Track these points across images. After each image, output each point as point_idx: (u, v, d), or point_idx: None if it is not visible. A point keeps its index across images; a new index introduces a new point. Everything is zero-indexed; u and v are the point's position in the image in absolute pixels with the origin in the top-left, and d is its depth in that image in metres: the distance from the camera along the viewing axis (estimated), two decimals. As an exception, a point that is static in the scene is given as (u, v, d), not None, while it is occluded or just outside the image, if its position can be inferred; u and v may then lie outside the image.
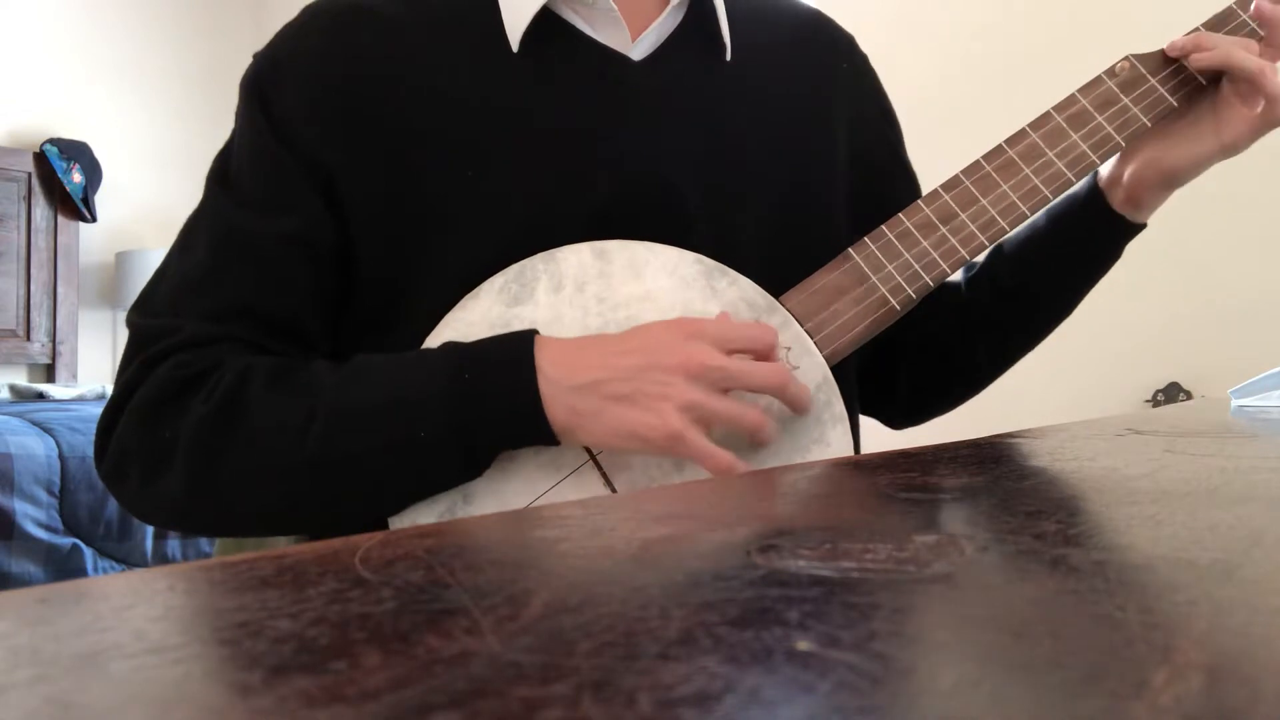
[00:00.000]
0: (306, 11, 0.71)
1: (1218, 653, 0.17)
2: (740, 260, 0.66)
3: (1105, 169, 0.75)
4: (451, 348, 0.60)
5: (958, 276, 0.84)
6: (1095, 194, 0.75)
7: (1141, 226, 0.76)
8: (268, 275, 0.65)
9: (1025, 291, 0.79)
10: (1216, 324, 1.97)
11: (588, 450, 0.61)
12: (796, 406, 0.62)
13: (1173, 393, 2.02)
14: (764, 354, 0.61)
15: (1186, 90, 0.72)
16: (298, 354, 0.66)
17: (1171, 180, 0.73)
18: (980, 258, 0.81)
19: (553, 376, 0.57)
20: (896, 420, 0.87)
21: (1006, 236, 0.79)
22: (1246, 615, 0.20)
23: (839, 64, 0.80)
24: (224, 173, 0.69)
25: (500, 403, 0.58)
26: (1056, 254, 0.77)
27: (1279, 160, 1.86)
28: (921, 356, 0.82)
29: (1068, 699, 0.15)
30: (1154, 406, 2.03)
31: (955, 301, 0.82)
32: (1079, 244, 0.77)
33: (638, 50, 0.70)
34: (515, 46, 0.68)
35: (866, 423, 0.78)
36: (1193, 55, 0.70)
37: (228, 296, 0.65)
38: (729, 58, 0.73)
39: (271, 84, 0.68)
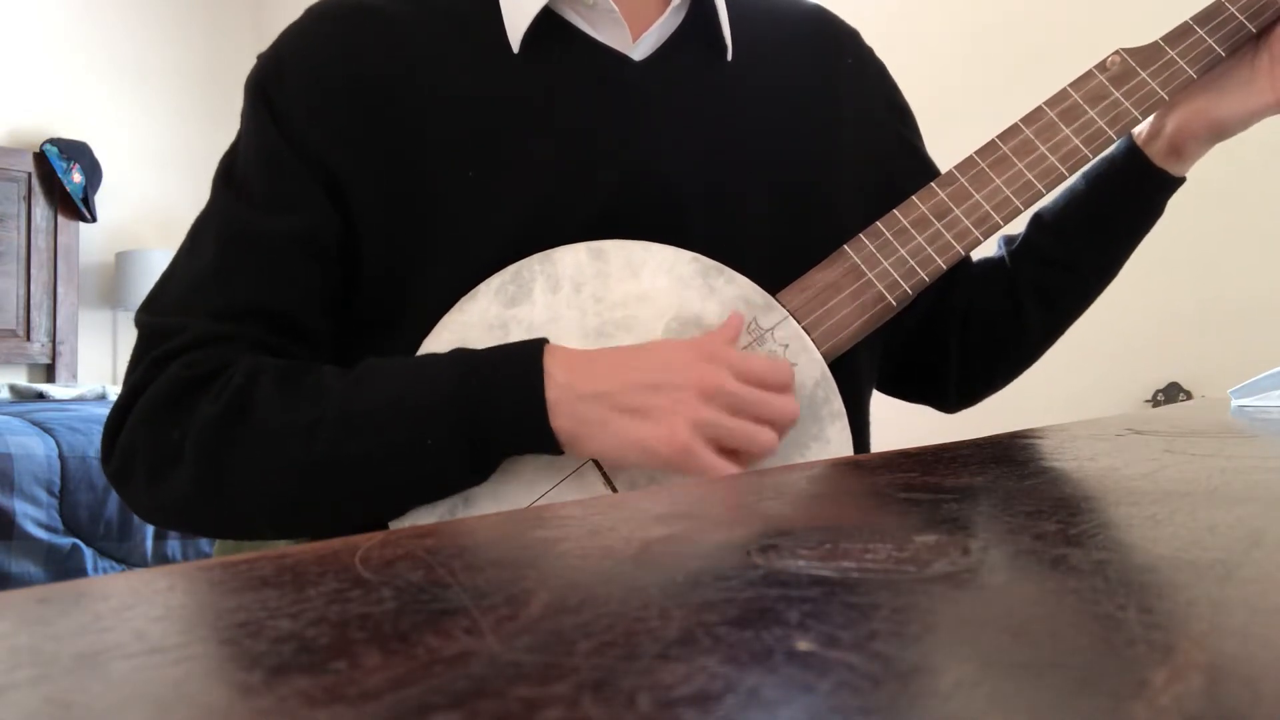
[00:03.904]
0: (310, 12, 0.71)
1: (1218, 653, 0.17)
2: (741, 259, 0.66)
3: (1142, 125, 0.75)
4: (460, 353, 0.60)
5: (996, 248, 0.85)
6: (1133, 151, 0.76)
7: (1181, 180, 0.77)
8: (275, 274, 0.65)
9: (1069, 258, 0.79)
10: (1216, 324, 1.97)
11: (588, 451, 0.61)
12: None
13: (1173, 393, 2.02)
14: (778, 391, 0.61)
15: (1178, 82, 0.72)
16: (305, 353, 0.66)
17: (1220, 132, 0.74)
18: (1019, 228, 0.82)
19: (562, 383, 0.57)
20: (951, 404, 0.88)
21: (1044, 204, 0.79)
22: (1246, 615, 0.20)
23: (842, 60, 0.80)
24: (230, 173, 0.69)
25: (507, 409, 0.58)
26: (1097, 216, 0.78)
27: (1278, 159, 1.87)
28: (970, 334, 0.83)
29: (1068, 699, 0.15)
30: (1154, 406, 2.03)
31: (999, 274, 0.82)
32: (1120, 203, 0.77)
33: (639, 50, 0.71)
34: (516, 47, 0.68)
35: (875, 416, 0.78)
36: None
37: (236, 296, 0.65)
38: (730, 57, 0.73)
39: (275, 84, 0.68)
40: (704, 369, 0.58)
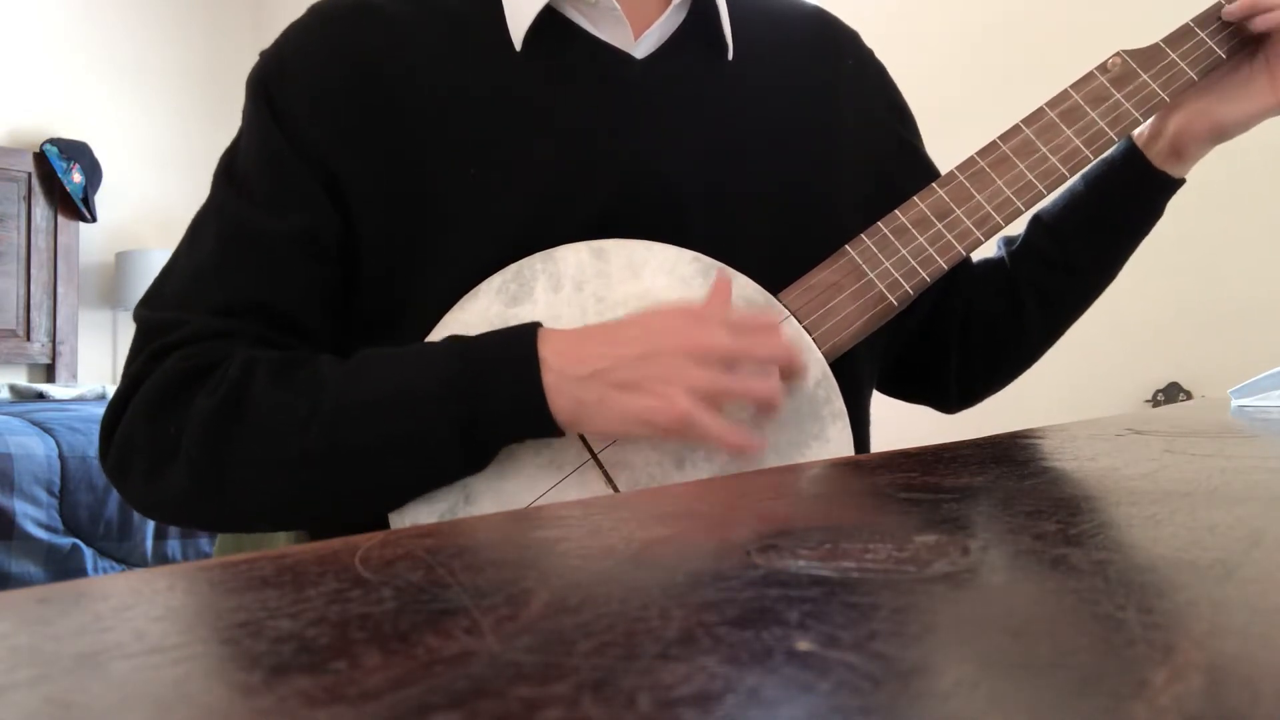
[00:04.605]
0: (312, 10, 0.71)
1: (1218, 653, 0.17)
2: (741, 259, 0.66)
3: (1142, 126, 0.76)
4: (455, 341, 0.60)
5: (996, 249, 0.85)
6: (1133, 153, 0.76)
7: (1180, 182, 0.77)
8: (274, 271, 0.65)
9: (1069, 259, 0.80)
10: (1216, 324, 1.97)
11: (589, 449, 0.61)
12: (797, 376, 0.62)
13: (1173, 393, 2.02)
14: (767, 334, 0.61)
15: (1179, 84, 0.72)
16: (303, 350, 0.66)
17: (1221, 134, 0.74)
18: (1019, 229, 0.82)
19: (556, 367, 0.57)
20: (951, 405, 0.88)
21: (1044, 206, 0.79)
22: (1246, 615, 0.20)
23: (843, 61, 0.80)
24: (231, 170, 0.69)
25: (504, 396, 0.58)
26: (1097, 218, 0.78)
27: (1279, 160, 1.87)
28: (970, 335, 0.83)
29: (1068, 699, 0.15)
30: (1154, 406, 2.03)
31: (999, 275, 0.83)
32: (1119, 205, 0.77)
33: (640, 49, 0.71)
34: (518, 45, 0.68)
35: (875, 416, 0.78)
36: (1257, 19, 0.72)
37: (235, 292, 0.65)
38: (731, 57, 0.73)
39: (277, 82, 0.68)
40: (691, 330, 0.58)
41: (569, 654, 0.17)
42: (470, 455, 0.59)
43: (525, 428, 0.59)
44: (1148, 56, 0.73)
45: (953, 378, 0.85)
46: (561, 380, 0.57)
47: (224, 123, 4.16)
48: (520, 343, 0.59)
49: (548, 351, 0.58)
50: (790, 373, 0.62)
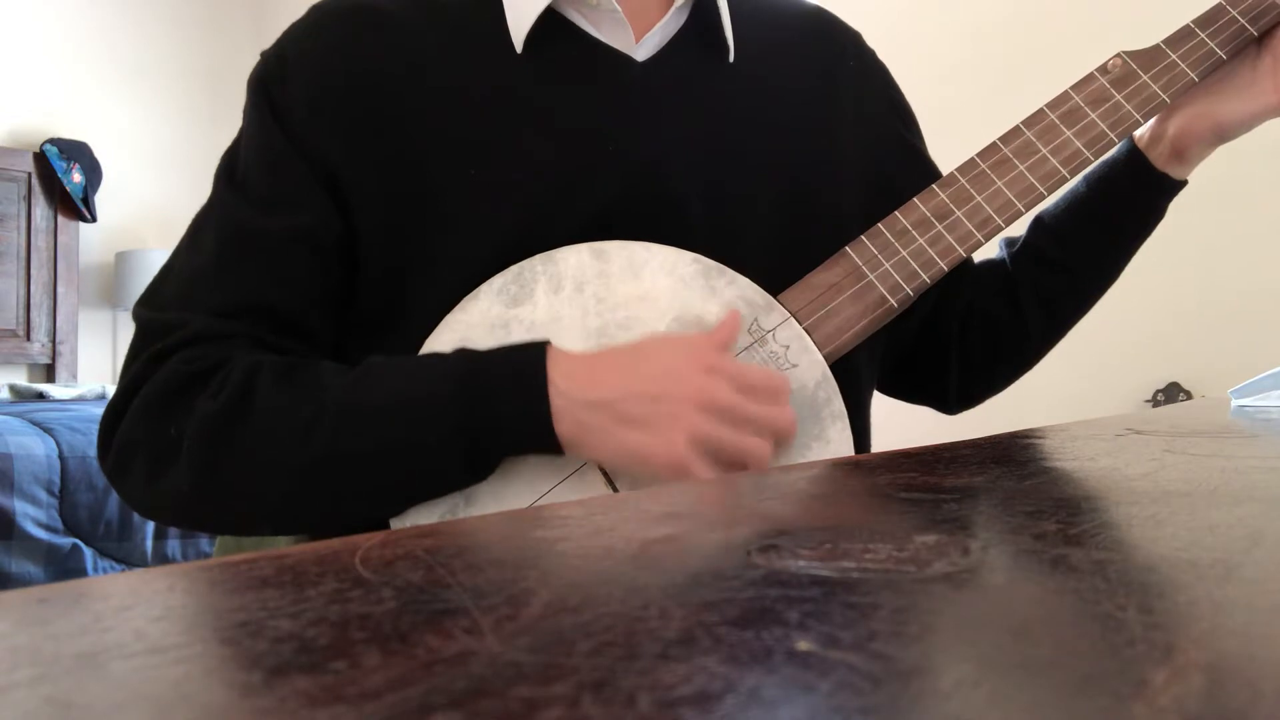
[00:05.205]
0: (313, 11, 0.71)
1: (1218, 653, 0.17)
2: (742, 260, 0.66)
3: (1143, 129, 0.75)
4: (463, 353, 0.60)
5: (997, 251, 0.85)
6: (1134, 155, 0.76)
7: (1182, 184, 0.77)
8: (275, 272, 0.65)
9: (1070, 261, 0.80)
10: (1216, 324, 1.97)
11: (588, 451, 0.61)
12: (786, 445, 0.63)
13: (1173, 393, 2.02)
14: (774, 402, 0.61)
15: (1179, 85, 0.72)
16: (303, 351, 0.66)
17: (1223, 134, 0.74)
18: (1021, 230, 0.82)
19: (564, 389, 0.58)
20: (951, 405, 0.88)
21: (1045, 207, 0.79)
22: (1246, 615, 0.20)
23: (844, 62, 0.80)
24: (232, 170, 0.69)
25: (509, 411, 0.58)
26: (1098, 220, 0.78)
27: (1278, 159, 1.87)
28: (971, 336, 0.83)
29: (1068, 699, 0.15)
30: (1154, 406, 2.03)
31: (1000, 276, 0.83)
32: (1121, 207, 0.77)
33: (641, 51, 0.71)
34: (519, 47, 0.68)
35: (875, 416, 0.78)
36: None
37: (235, 292, 0.65)
38: (732, 58, 0.73)
39: (278, 82, 0.68)
40: (703, 380, 0.58)
41: (569, 654, 0.17)
42: (471, 466, 0.59)
43: (528, 444, 0.59)
44: (1148, 58, 0.73)
45: (953, 379, 0.85)
46: (569, 403, 0.57)
47: (224, 123, 4.17)
48: (529, 360, 0.59)
49: (557, 374, 0.58)
50: (783, 440, 0.63)
